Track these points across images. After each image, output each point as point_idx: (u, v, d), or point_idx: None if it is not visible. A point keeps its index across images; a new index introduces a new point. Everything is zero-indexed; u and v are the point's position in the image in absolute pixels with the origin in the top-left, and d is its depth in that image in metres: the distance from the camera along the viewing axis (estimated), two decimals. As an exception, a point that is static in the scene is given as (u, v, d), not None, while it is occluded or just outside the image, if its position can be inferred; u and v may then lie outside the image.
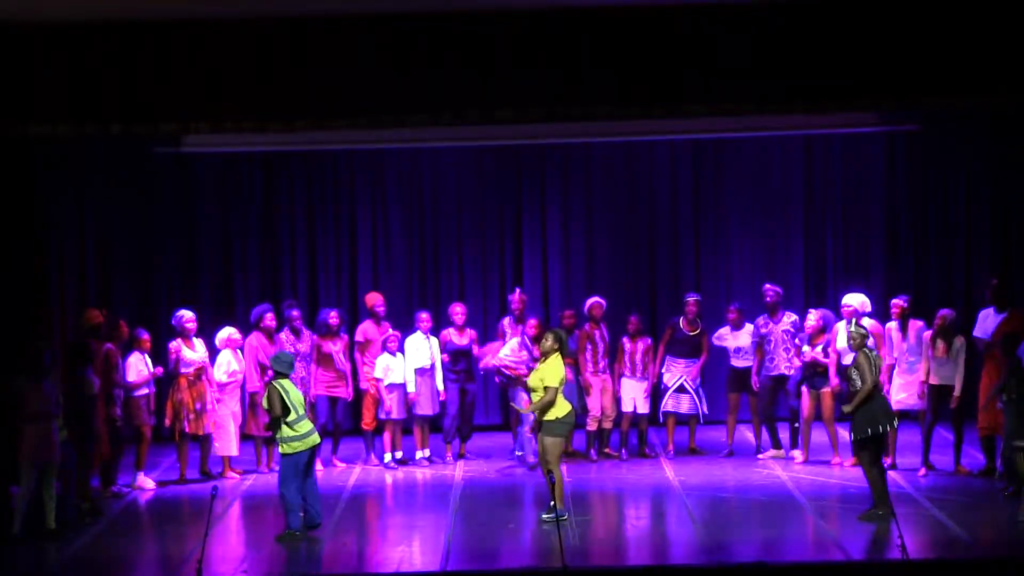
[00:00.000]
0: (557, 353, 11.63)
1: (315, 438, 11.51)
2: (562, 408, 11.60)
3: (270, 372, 13.85)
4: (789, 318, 14.09)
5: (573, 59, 11.58)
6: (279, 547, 11.19)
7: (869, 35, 11.48)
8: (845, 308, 13.47)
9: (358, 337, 14.23)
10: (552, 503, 11.23)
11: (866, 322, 13.15)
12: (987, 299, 13.37)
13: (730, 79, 11.59)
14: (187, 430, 13.55)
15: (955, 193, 16.45)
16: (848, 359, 12.40)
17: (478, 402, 15.26)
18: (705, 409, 14.60)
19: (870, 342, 12.05)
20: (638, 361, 14.36)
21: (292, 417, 11.34)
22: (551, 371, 11.58)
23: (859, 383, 11.59)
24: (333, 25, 11.54)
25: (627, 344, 14.37)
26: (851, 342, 11.94)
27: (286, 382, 11.50)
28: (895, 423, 12.02)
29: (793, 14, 11.50)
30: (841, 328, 13.22)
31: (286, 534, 11.28)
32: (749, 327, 14.36)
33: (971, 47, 11.44)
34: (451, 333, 14.44)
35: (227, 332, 13.94)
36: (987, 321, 13.17)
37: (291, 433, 11.34)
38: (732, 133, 16.01)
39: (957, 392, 12.99)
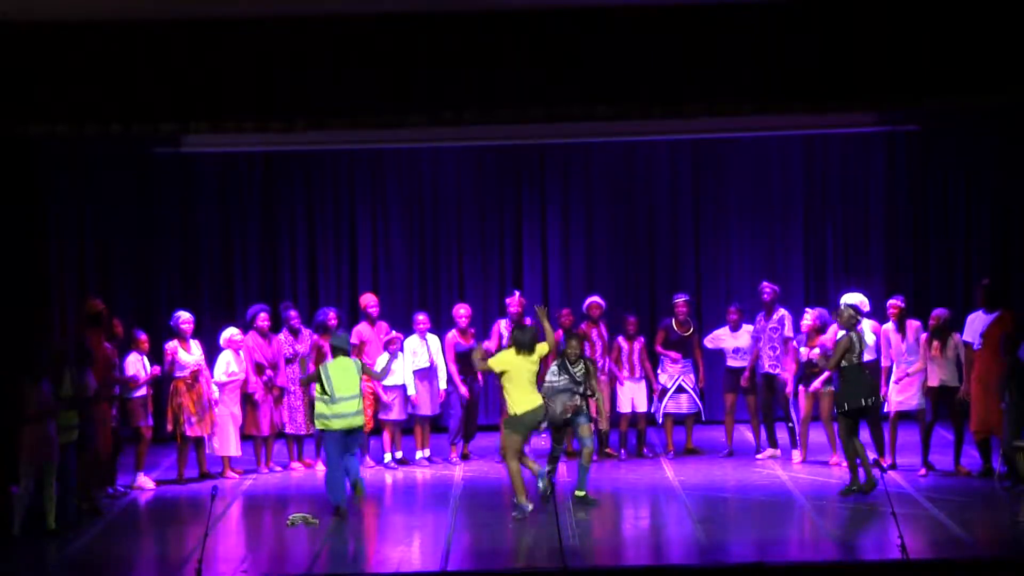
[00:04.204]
0: (512, 349, 11.91)
1: (348, 421, 12.11)
2: (519, 406, 11.70)
3: (268, 372, 13.93)
4: (777, 315, 14.08)
5: (573, 59, 11.58)
6: (279, 547, 11.20)
7: (869, 35, 11.49)
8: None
9: (352, 339, 14.21)
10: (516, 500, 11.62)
11: (865, 323, 13.19)
12: (978, 300, 13.31)
13: (730, 79, 11.60)
14: (188, 433, 13.55)
15: (955, 193, 16.45)
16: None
17: (480, 402, 15.25)
18: (700, 404, 14.64)
19: (861, 327, 12.39)
20: (635, 361, 14.38)
21: (336, 394, 12.08)
22: (499, 357, 12.04)
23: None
24: (333, 25, 11.55)
25: (624, 344, 14.39)
26: (839, 320, 12.32)
27: (337, 362, 12.20)
28: (879, 400, 12.27)
29: (793, 14, 11.51)
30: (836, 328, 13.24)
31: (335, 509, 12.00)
32: (748, 327, 14.36)
33: (971, 47, 11.45)
34: (456, 336, 14.42)
35: (229, 332, 13.95)
36: (975, 324, 13.06)
37: (321, 410, 12.15)
38: (732, 133, 16.02)
39: (964, 390, 12.97)
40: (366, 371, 12.60)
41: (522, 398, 11.80)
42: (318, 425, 12.27)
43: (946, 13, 11.45)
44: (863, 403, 12.18)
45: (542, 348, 12.05)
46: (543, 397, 12.09)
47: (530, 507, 11.64)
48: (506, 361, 11.92)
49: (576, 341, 12.45)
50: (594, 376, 12.47)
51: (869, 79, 11.56)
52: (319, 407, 12.17)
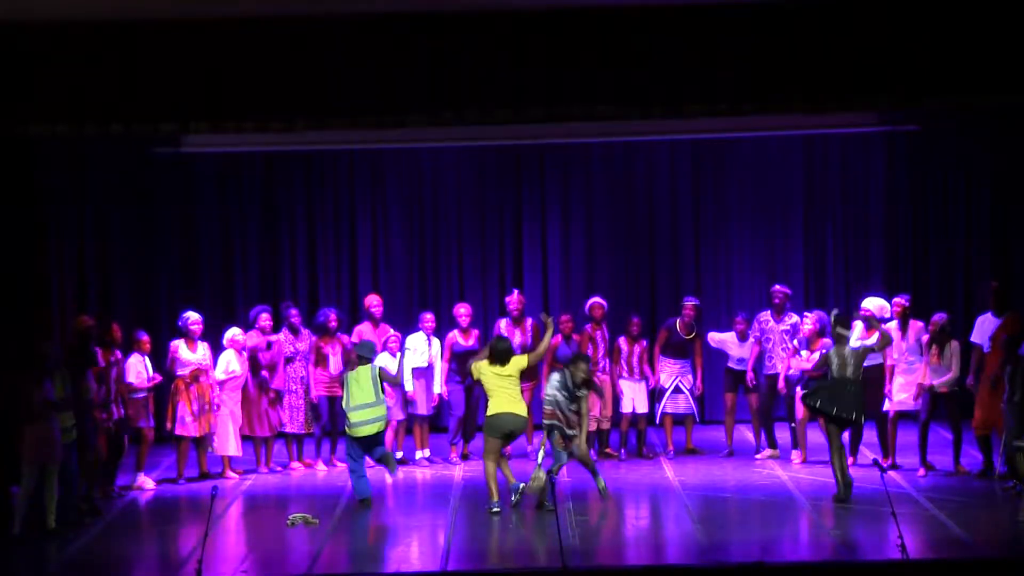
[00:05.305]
0: (487, 359, 12.17)
1: (365, 429, 12.45)
2: (489, 409, 12.09)
3: (263, 372, 13.94)
4: (790, 319, 14.09)
5: (573, 59, 11.58)
6: (279, 547, 11.20)
7: (869, 35, 11.49)
8: (863, 311, 13.44)
9: (353, 338, 14.20)
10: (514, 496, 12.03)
11: (889, 326, 13.19)
12: (988, 302, 13.33)
13: (730, 79, 11.59)
14: (179, 432, 13.51)
15: (955, 193, 16.46)
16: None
17: (480, 403, 15.22)
18: (694, 407, 14.58)
19: (854, 341, 12.46)
20: (635, 363, 14.37)
21: (351, 404, 12.47)
22: (476, 364, 12.30)
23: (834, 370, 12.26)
24: (333, 25, 11.55)
25: (624, 345, 14.38)
26: (833, 337, 12.40)
27: (360, 371, 12.54)
28: (852, 416, 12.18)
29: (793, 14, 11.50)
30: (858, 328, 13.21)
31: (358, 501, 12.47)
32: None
33: (971, 47, 11.45)
34: (456, 335, 14.41)
35: (231, 332, 13.95)
36: (984, 326, 13.11)
37: (348, 419, 12.51)
38: (732, 133, 16.02)
39: (933, 382, 12.99)
40: (383, 376, 12.70)
41: (492, 403, 12.10)
42: (347, 431, 12.60)
43: (946, 13, 11.45)
44: (826, 409, 12.24)
45: (518, 361, 12.15)
46: (549, 407, 12.24)
47: (497, 509, 11.89)
48: (480, 369, 12.22)
49: (584, 364, 12.37)
50: (586, 402, 12.42)
51: (869, 79, 11.56)
52: (347, 415, 12.59)
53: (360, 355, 12.73)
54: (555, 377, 12.35)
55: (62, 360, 11.99)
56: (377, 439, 12.64)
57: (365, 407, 12.51)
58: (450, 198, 16.67)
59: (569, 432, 12.27)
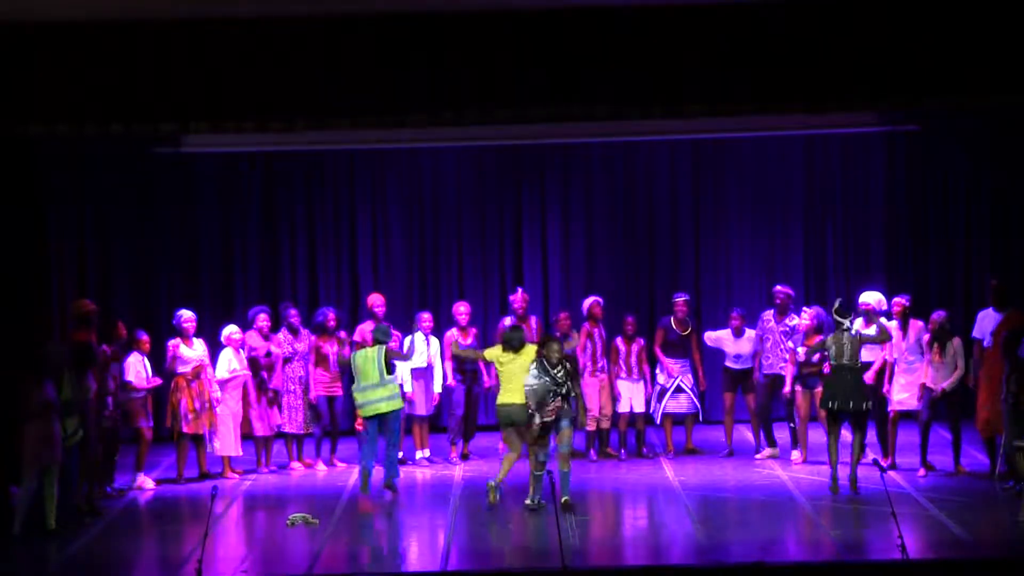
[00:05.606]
0: (500, 346, 12.42)
1: (373, 408, 12.72)
2: (498, 399, 12.34)
3: (263, 372, 13.94)
4: (791, 321, 14.09)
5: (573, 59, 11.59)
6: (279, 547, 11.21)
7: (869, 35, 11.49)
8: (863, 305, 13.47)
9: (356, 337, 14.21)
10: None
11: (883, 322, 13.21)
12: (989, 299, 13.40)
13: (730, 79, 11.60)
14: (184, 430, 13.53)
15: (955, 193, 16.46)
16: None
17: (480, 402, 15.23)
18: (698, 405, 14.58)
19: (848, 327, 12.54)
20: (632, 363, 14.37)
21: (359, 384, 12.78)
22: (490, 350, 12.66)
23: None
24: (333, 25, 11.55)
25: (621, 345, 14.37)
26: (833, 323, 12.59)
27: (368, 350, 12.84)
28: (847, 406, 12.30)
29: (793, 14, 11.51)
30: (858, 322, 13.23)
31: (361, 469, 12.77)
32: (750, 333, 14.35)
33: (971, 47, 11.46)
34: (455, 334, 14.41)
35: (229, 330, 13.94)
36: (985, 321, 13.20)
37: (355, 399, 12.85)
38: (732, 133, 16.03)
39: (943, 386, 12.99)
40: (391, 354, 12.87)
41: (499, 393, 12.32)
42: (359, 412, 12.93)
43: (946, 13, 11.46)
44: (830, 405, 12.38)
45: (532, 351, 12.23)
46: (526, 399, 12.02)
47: (494, 483, 12.11)
48: (493, 355, 12.44)
49: (556, 344, 12.16)
50: (575, 377, 12.30)
51: (869, 79, 11.57)
52: (354, 396, 12.89)
53: (375, 337, 12.95)
54: (532, 366, 12.10)
55: (68, 361, 12.00)
56: (389, 423, 12.80)
57: (369, 388, 12.70)
58: (450, 198, 16.67)
59: (544, 420, 12.04)
